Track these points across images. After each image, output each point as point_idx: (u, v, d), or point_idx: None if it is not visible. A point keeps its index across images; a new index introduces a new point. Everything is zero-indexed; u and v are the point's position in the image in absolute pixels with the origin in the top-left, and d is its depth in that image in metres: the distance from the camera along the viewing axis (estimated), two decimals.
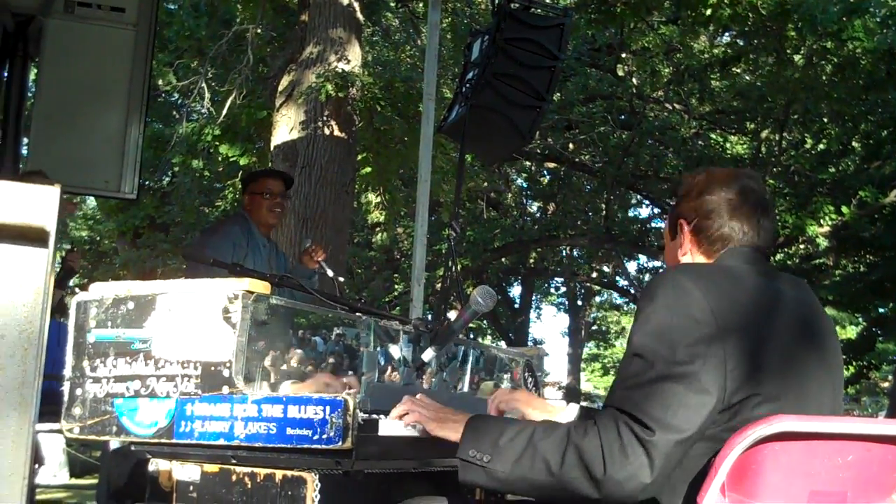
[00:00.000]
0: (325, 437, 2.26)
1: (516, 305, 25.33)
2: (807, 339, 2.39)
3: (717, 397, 2.16)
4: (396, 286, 20.43)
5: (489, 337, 28.68)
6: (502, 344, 25.21)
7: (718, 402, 2.16)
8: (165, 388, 2.47)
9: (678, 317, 2.19)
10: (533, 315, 27.62)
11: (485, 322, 26.41)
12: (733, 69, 16.78)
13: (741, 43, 15.54)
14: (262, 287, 2.47)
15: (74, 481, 12.58)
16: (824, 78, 13.95)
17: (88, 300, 2.59)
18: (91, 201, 21.32)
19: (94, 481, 9.24)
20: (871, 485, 2.29)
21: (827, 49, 13.73)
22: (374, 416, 2.44)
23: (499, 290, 24.29)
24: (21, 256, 1.28)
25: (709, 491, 2.14)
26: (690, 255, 2.52)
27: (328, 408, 2.27)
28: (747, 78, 17.05)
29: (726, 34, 16.57)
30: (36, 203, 1.25)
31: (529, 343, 25.99)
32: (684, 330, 2.17)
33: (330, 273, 5.17)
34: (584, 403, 2.87)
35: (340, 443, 2.25)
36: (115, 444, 3.62)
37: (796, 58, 14.59)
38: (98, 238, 22.96)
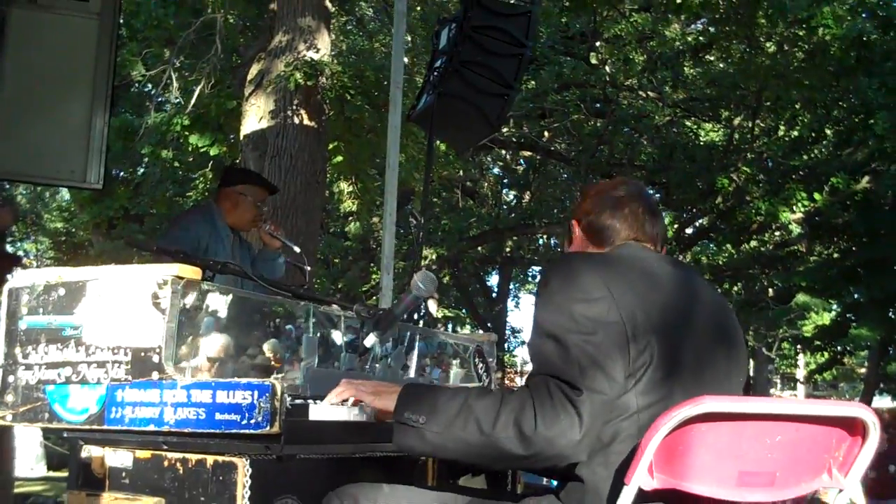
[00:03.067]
0: (253, 421, 2.27)
1: (494, 294, 25.37)
2: (694, 307, 2.49)
3: (625, 358, 2.25)
4: (374, 276, 20.40)
5: (468, 326, 28.68)
6: (481, 333, 25.21)
7: (625, 366, 2.25)
8: (96, 375, 2.47)
9: (573, 291, 2.30)
10: (511, 304, 27.67)
11: (463, 310, 26.44)
12: (706, 56, 16.83)
13: (713, 30, 15.59)
14: (192, 272, 2.47)
15: (52, 474, 12.60)
16: (795, 65, 14.01)
17: (20, 287, 2.59)
18: (65, 193, 21.25)
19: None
20: (801, 465, 2.32)
21: (797, 36, 13.80)
22: (309, 401, 2.45)
23: (476, 279, 24.35)
24: None
25: (636, 471, 2.16)
26: (582, 249, 2.67)
27: (256, 392, 2.27)
28: (720, 65, 17.08)
29: (699, 21, 16.61)
30: None
31: (507, 331, 26.04)
32: (580, 303, 2.28)
33: (296, 249, 5.07)
34: None
35: (268, 427, 2.25)
36: None
37: (767, 45, 14.64)
38: (73, 230, 22.89)
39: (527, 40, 6.86)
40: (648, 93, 17.29)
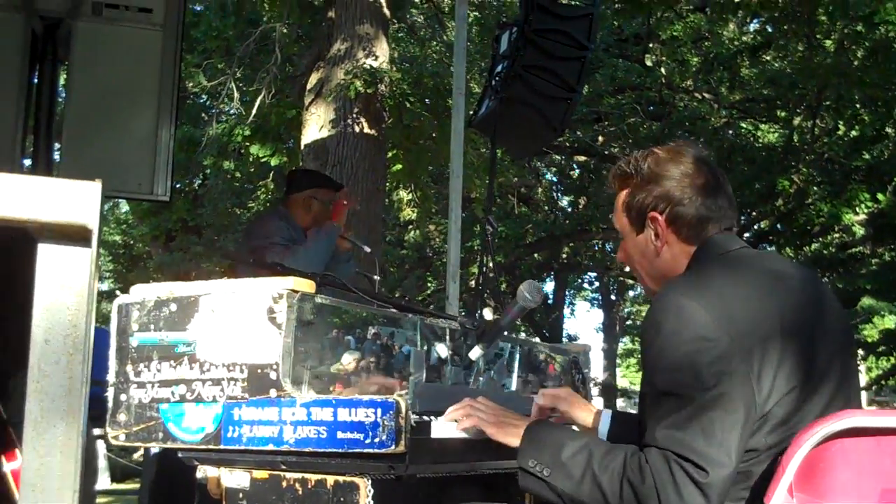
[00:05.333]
0: (377, 440, 2.19)
1: (550, 301, 25.21)
2: (821, 313, 2.32)
3: (751, 410, 2.10)
4: (429, 284, 20.38)
5: (523, 333, 28.55)
6: (537, 341, 25.11)
7: (752, 414, 2.11)
8: (212, 393, 2.40)
9: (689, 342, 2.12)
10: (567, 311, 27.49)
11: (519, 319, 26.30)
12: (763, 56, 16.62)
13: (770, 29, 15.39)
14: (306, 286, 2.40)
15: (115, 486, 12.63)
16: (856, 63, 13.77)
17: (130, 303, 2.53)
18: (123, 205, 21.44)
19: (135, 486, 9.24)
20: None
21: (858, 33, 13.59)
22: (425, 417, 2.38)
23: None
24: (64, 257, 1.21)
25: (776, 492, 2.07)
26: (669, 247, 2.43)
27: (379, 410, 2.20)
28: (777, 65, 16.87)
29: (755, 21, 16.41)
30: (77, 200, 1.18)
31: (564, 339, 25.87)
32: (700, 353, 2.10)
33: (367, 249, 5.11)
34: (619, 404, 2.80)
35: (393, 446, 2.18)
36: (155, 448, 3.56)
37: (827, 43, 14.43)
38: (131, 242, 23.11)
39: (589, 42, 6.79)
40: (705, 94, 17.11)
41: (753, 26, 17.28)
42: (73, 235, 1.24)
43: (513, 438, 2.32)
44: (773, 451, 2.14)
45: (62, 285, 1.24)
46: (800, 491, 2.08)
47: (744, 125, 18.28)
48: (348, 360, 2.72)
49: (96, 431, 4.53)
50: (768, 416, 2.13)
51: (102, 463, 12.99)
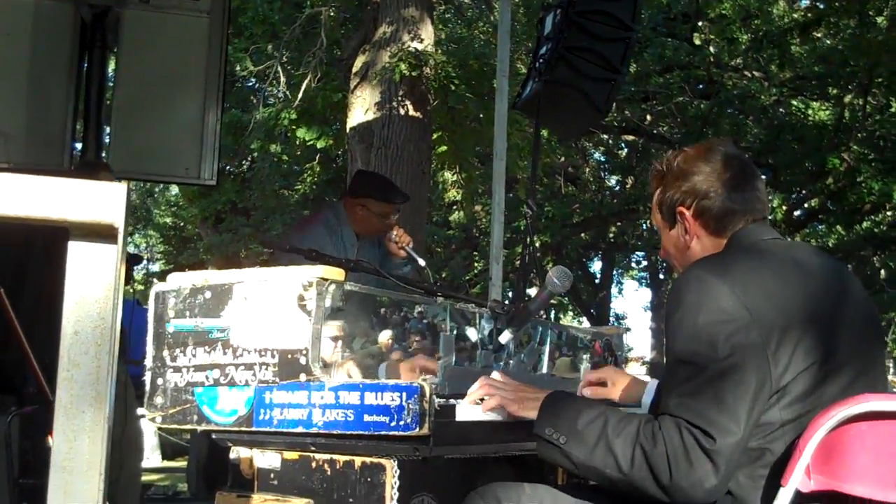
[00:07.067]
0: (402, 423, 2.26)
1: (597, 281, 25.17)
2: (843, 303, 2.37)
3: (765, 382, 2.15)
4: (476, 264, 20.42)
5: (570, 313, 28.53)
6: (584, 320, 25.10)
7: (767, 386, 2.16)
8: (244, 377, 2.49)
9: (709, 313, 2.19)
10: (614, 290, 27.42)
11: (566, 298, 26.27)
12: (814, 33, 16.38)
13: (821, 6, 15.17)
14: (336, 273, 2.47)
15: (166, 464, 12.85)
16: None
17: (167, 290, 2.62)
18: (174, 187, 21.72)
19: (185, 464, 9.40)
20: None
21: None
22: (452, 400, 2.44)
23: (579, 266, 24.17)
24: (91, 253, 1.28)
25: (793, 473, 2.11)
26: (699, 240, 2.50)
27: (404, 394, 2.27)
28: (828, 42, 16.62)
29: None
30: (104, 200, 1.25)
31: (611, 317, 25.80)
32: (719, 325, 2.17)
33: (421, 262, 4.91)
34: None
35: (417, 429, 2.25)
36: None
37: (879, 19, 14.18)
38: (181, 224, 23.37)
39: (633, 23, 6.77)
40: (754, 72, 16.91)
41: (804, 3, 17.07)
42: (101, 233, 1.30)
43: (533, 412, 2.38)
44: (789, 428, 2.19)
45: (90, 280, 1.30)
46: (818, 473, 2.12)
47: (794, 103, 18.02)
48: (385, 337, 2.80)
49: (141, 411, 4.64)
50: (785, 390, 2.18)
51: (153, 441, 13.24)
